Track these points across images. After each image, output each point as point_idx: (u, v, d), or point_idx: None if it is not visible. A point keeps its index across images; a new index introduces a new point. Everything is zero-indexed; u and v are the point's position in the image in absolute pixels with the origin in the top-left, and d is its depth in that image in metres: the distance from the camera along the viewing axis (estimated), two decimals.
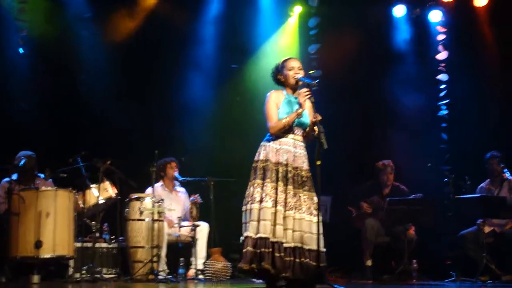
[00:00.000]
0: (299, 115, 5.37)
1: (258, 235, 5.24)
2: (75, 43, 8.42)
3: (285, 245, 5.24)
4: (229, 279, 7.17)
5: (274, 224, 5.25)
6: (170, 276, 6.85)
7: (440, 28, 9.20)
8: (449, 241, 7.82)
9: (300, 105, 5.38)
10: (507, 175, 7.39)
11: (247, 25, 8.99)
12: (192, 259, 7.34)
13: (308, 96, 5.32)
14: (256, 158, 5.46)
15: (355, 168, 8.60)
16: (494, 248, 7.38)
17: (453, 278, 7.24)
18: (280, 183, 5.32)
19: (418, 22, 9.28)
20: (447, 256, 7.81)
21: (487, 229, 7.46)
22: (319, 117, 5.27)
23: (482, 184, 7.87)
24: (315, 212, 5.30)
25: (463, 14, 9.10)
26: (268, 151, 5.40)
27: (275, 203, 5.28)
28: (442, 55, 9.16)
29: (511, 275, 7.18)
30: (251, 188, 5.38)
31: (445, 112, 9.06)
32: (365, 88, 8.90)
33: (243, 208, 5.40)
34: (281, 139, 5.42)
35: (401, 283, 7.17)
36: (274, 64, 5.67)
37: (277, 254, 5.20)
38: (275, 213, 5.26)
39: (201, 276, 7.22)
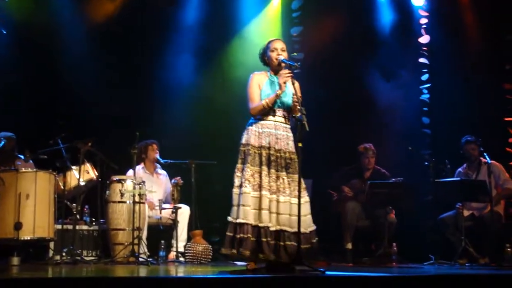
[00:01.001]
0: (278, 96, 5.37)
1: (238, 220, 5.27)
2: (56, 24, 8.32)
3: (271, 228, 5.26)
4: (210, 261, 7.21)
5: (260, 208, 5.27)
6: (151, 259, 6.85)
7: (422, 12, 9.22)
8: (429, 224, 7.90)
9: (280, 86, 5.37)
10: (487, 159, 7.44)
11: (230, 7, 8.94)
12: (173, 241, 7.36)
13: (288, 77, 5.32)
14: (240, 142, 5.47)
15: (337, 151, 8.62)
16: (473, 232, 7.47)
17: (432, 261, 7.31)
18: (264, 167, 5.33)
19: (401, 5, 9.28)
20: (427, 240, 7.87)
21: (466, 213, 7.54)
22: (300, 98, 5.28)
23: (459, 169, 7.94)
24: (301, 194, 5.30)
25: None
26: (250, 135, 5.41)
27: (259, 187, 5.29)
28: (424, 39, 9.19)
29: (489, 258, 7.27)
30: (235, 173, 5.41)
31: (427, 96, 9.10)
32: (347, 71, 8.90)
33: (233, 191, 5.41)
34: (263, 122, 5.42)
35: (381, 266, 7.23)
36: (256, 46, 5.67)
37: (263, 239, 5.23)
38: (260, 198, 5.27)
39: (182, 259, 7.25)
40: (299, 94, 5.42)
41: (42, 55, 8.22)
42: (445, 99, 8.86)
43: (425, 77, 9.13)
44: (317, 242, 5.43)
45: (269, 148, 5.37)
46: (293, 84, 5.35)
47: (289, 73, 5.32)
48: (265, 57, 5.54)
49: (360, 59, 8.94)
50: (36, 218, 6.54)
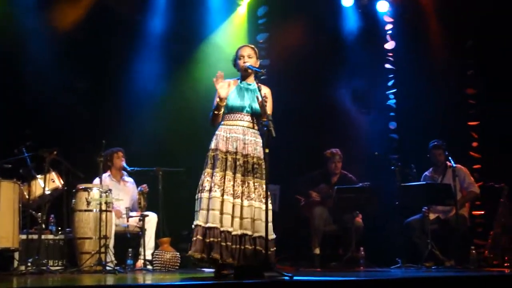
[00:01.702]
0: (219, 104, 5.40)
1: (208, 225, 5.29)
2: (19, 31, 8.22)
3: (233, 233, 5.29)
4: (178, 269, 7.17)
5: (222, 213, 5.31)
6: (118, 267, 6.79)
7: (387, 18, 9.33)
8: (395, 228, 7.97)
9: (219, 95, 5.39)
10: (452, 163, 7.54)
11: (196, 14, 8.94)
12: (141, 249, 7.30)
13: (216, 84, 5.38)
14: (208, 147, 5.50)
15: (303, 156, 8.66)
16: (439, 235, 7.56)
17: (399, 265, 7.37)
18: (229, 172, 5.38)
19: (366, 12, 9.37)
20: (394, 243, 7.94)
21: (432, 216, 7.62)
22: (266, 100, 5.33)
23: (426, 173, 8.04)
24: (265, 200, 5.33)
25: (410, 5, 9.24)
26: (218, 140, 5.46)
27: (223, 192, 5.33)
28: (389, 44, 9.31)
29: (455, 261, 7.36)
30: (202, 177, 5.43)
31: (393, 101, 9.20)
32: (313, 77, 8.95)
33: (196, 196, 5.45)
34: (231, 127, 5.48)
35: (349, 270, 7.26)
36: (223, 53, 5.75)
37: (223, 244, 5.27)
38: (222, 202, 5.31)
39: (149, 267, 7.20)
40: (270, 100, 5.47)
41: (6, 63, 8.10)
42: (411, 104, 8.97)
43: (390, 82, 9.22)
44: (274, 252, 5.46)
45: (235, 153, 5.41)
46: (259, 90, 5.37)
47: (216, 81, 5.36)
48: (235, 64, 5.63)
49: (326, 65, 9.00)
50: (0, 228, 6.47)
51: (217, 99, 5.44)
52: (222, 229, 5.28)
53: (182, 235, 7.96)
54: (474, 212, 8.31)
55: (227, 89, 5.44)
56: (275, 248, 5.47)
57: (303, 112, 8.87)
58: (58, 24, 8.41)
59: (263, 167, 5.42)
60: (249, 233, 5.32)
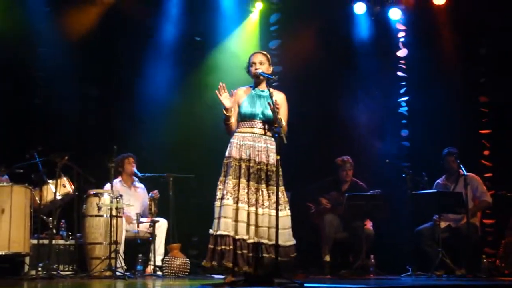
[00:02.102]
0: (226, 115, 5.44)
1: (219, 232, 5.29)
2: (33, 37, 8.28)
3: (248, 241, 5.28)
4: (187, 275, 7.17)
5: (236, 221, 5.29)
6: (128, 273, 6.81)
7: (400, 26, 9.31)
8: (406, 236, 7.93)
9: (224, 105, 5.43)
10: (463, 171, 7.50)
11: (208, 21, 8.95)
12: (151, 255, 7.31)
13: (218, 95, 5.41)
14: (224, 155, 5.52)
15: (315, 164, 8.64)
16: (450, 243, 7.51)
17: (409, 273, 7.34)
18: (243, 180, 5.37)
19: (379, 19, 9.36)
20: (404, 251, 7.90)
21: (443, 224, 7.59)
22: (278, 106, 5.33)
23: (438, 180, 7.99)
24: (282, 206, 5.33)
25: (422, 12, 9.22)
26: (232, 147, 5.46)
27: (237, 200, 5.32)
28: (402, 52, 9.28)
29: (465, 269, 7.31)
30: (217, 186, 5.44)
31: (405, 108, 9.17)
32: (325, 84, 8.94)
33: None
34: (244, 135, 5.49)
35: (359, 278, 7.24)
36: (234, 60, 5.75)
37: (239, 252, 5.25)
38: (236, 210, 5.30)
39: (159, 273, 7.20)
40: (284, 106, 5.47)
41: (18, 68, 8.17)
42: (423, 111, 8.94)
43: (402, 90, 9.20)
44: (296, 258, 5.44)
45: (249, 160, 5.41)
46: (271, 96, 5.37)
47: (219, 92, 5.39)
48: (248, 71, 5.65)
49: (338, 72, 8.98)
50: (12, 233, 6.49)
51: (223, 110, 5.46)
52: (237, 237, 5.26)
53: (192, 241, 7.98)
54: (485, 221, 8.25)
55: (229, 99, 5.45)
56: (295, 254, 5.44)
57: (314, 119, 8.86)
58: (71, 30, 8.46)
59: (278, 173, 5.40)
60: (265, 241, 5.30)
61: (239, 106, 5.54)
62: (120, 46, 8.59)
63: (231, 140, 5.51)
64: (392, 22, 9.35)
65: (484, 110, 8.86)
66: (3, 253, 6.43)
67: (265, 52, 5.71)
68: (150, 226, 7.33)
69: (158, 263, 7.31)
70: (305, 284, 5.06)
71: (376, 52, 9.22)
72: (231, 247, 5.25)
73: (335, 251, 7.84)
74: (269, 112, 5.45)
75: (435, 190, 7.77)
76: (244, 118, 5.53)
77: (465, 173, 7.49)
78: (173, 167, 7.87)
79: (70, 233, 7.40)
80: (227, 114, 5.47)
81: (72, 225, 7.30)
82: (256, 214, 5.34)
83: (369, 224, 7.78)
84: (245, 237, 5.27)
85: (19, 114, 8.09)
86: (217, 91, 5.44)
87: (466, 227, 7.37)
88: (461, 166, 7.58)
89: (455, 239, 7.56)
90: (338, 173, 8.09)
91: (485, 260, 7.29)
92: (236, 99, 5.55)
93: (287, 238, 5.38)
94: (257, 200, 5.35)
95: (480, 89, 8.93)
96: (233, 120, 5.52)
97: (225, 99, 5.44)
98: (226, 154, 5.49)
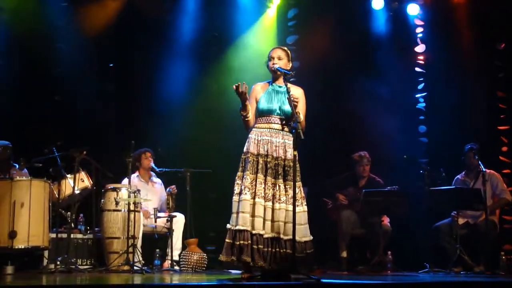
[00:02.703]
0: (242, 111, 5.42)
1: (237, 227, 5.30)
2: (51, 32, 8.33)
3: (265, 236, 5.29)
4: (204, 270, 7.19)
5: (253, 216, 5.30)
6: (145, 267, 6.84)
7: (418, 21, 9.26)
8: (424, 232, 7.89)
9: (242, 102, 5.40)
10: (482, 167, 7.45)
11: (225, 17, 8.96)
12: (168, 250, 7.35)
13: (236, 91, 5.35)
14: (242, 151, 5.52)
15: (332, 159, 8.63)
16: (468, 240, 7.47)
17: (427, 269, 7.30)
18: (260, 175, 5.38)
19: (397, 15, 9.31)
20: (422, 248, 7.86)
21: (461, 221, 7.55)
22: (297, 101, 5.31)
23: (458, 176, 7.94)
24: (299, 202, 5.33)
25: (440, 7, 9.16)
26: (250, 143, 5.47)
27: (254, 195, 5.33)
28: (420, 48, 9.24)
29: (484, 266, 7.27)
30: (235, 181, 5.45)
31: (423, 104, 9.13)
32: (343, 79, 8.92)
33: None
34: (261, 130, 5.49)
35: (376, 274, 7.21)
36: (253, 55, 5.75)
37: (255, 246, 5.26)
38: (253, 205, 5.31)
39: (176, 267, 7.23)
40: (302, 101, 5.47)
41: (38, 64, 8.23)
42: (441, 107, 8.89)
43: (420, 86, 9.15)
44: (312, 253, 5.43)
45: (266, 155, 5.41)
46: (288, 92, 5.35)
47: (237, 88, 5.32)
48: (267, 66, 5.63)
49: (356, 67, 8.95)
50: (31, 227, 6.53)
51: (240, 111, 5.45)
52: (254, 232, 5.27)
53: (209, 236, 7.99)
54: (504, 217, 8.19)
55: (246, 94, 5.39)
56: (312, 250, 5.43)
57: (332, 114, 8.84)
58: (88, 26, 8.50)
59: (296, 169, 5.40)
60: (281, 236, 5.30)
61: (256, 102, 5.54)
62: (138, 41, 8.61)
63: (249, 135, 5.52)
64: (410, 17, 9.31)
65: (502, 106, 8.80)
66: (23, 247, 6.47)
67: (285, 48, 5.68)
68: (167, 221, 7.36)
69: (176, 258, 7.34)
70: (322, 280, 5.05)
71: (394, 48, 9.18)
72: (249, 241, 5.26)
73: (352, 247, 7.83)
74: (286, 107, 5.45)
75: (453, 187, 7.72)
76: (261, 113, 5.53)
77: (484, 169, 7.43)
78: (190, 162, 7.89)
79: (88, 227, 7.47)
80: (243, 113, 5.45)
81: (90, 219, 7.36)
82: (273, 209, 5.34)
83: (386, 220, 7.77)
84: (262, 232, 5.28)
85: (39, 109, 8.15)
86: (234, 86, 5.36)
87: (485, 224, 7.32)
88: (480, 162, 7.52)
89: (473, 236, 7.52)
90: (355, 168, 8.07)
91: (503, 257, 7.24)
92: (253, 94, 5.56)
93: (303, 234, 5.38)
94: (274, 195, 5.36)
95: (498, 84, 8.86)
96: (251, 115, 5.52)
97: (242, 95, 5.37)
98: (244, 149, 5.49)
